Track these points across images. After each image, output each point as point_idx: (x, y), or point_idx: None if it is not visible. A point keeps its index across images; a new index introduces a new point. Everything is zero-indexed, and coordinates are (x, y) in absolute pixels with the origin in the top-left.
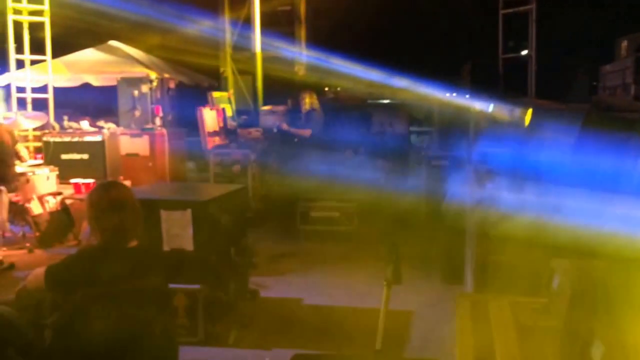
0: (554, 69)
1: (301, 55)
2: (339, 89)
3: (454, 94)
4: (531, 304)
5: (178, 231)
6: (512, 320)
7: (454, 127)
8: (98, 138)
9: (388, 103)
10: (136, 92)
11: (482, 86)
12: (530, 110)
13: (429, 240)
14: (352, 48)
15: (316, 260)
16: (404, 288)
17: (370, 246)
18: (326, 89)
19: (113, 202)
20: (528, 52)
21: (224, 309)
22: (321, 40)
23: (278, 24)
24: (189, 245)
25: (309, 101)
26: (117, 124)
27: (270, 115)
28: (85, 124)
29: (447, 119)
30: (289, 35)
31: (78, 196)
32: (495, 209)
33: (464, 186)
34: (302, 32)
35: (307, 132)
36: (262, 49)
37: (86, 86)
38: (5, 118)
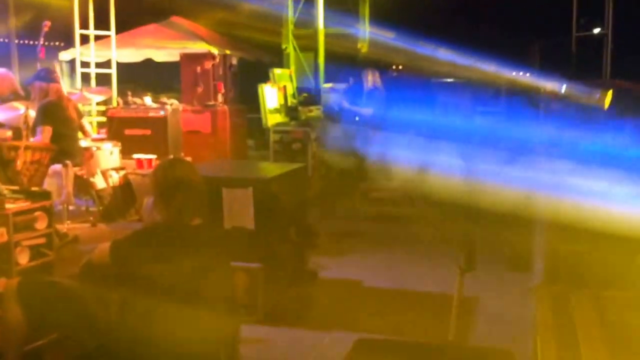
0: (630, 48)
1: (364, 32)
2: (401, 67)
3: (523, 73)
4: (617, 299)
5: (239, 209)
6: (596, 315)
7: (523, 106)
8: (161, 114)
9: (453, 82)
10: (199, 69)
11: (553, 65)
12: (610, 92)
13: (492, 225)
14: (417, 25)
15: (377, 241)
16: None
17: (434, 229)
18: (390, 66)
19: (178, 180)
20: (601, 30)
21: (284, 288)
22: (385, 16)
23: (342, 0)
24: (249, 223)
25: (371, 79)
26: (179, 100)
27: (331, 93)
28: (148, 100)
29: (515, 99)
30: (353, 11)
31: (140, 172)
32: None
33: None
34: (366, 8)
35: (368, 111)
36: (325, 26)
37: (148, 62)
38: (70, 93)
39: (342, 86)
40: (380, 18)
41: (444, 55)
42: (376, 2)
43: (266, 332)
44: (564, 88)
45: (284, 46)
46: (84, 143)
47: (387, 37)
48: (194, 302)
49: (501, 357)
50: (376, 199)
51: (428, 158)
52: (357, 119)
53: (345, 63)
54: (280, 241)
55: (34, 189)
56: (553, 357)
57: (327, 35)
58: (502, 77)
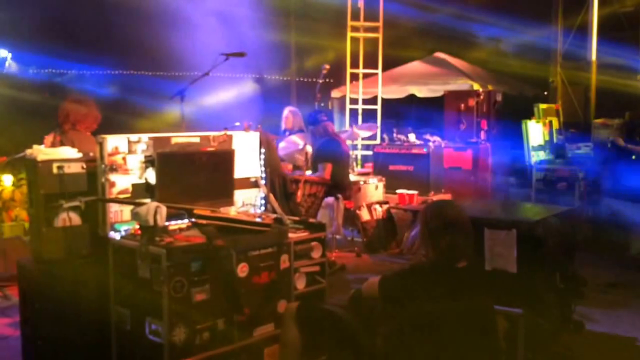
0: None
1: None
2: None
3: None
4: None
5: (501, 251)
6: None
7: None
8: (424, 151)
9: None
10: (462, 106)
11: None
12: None
13: None
14: None
15: None
16: None
17: None
18: None
19: (447, 222)
20: None
21: (546, 338)
22: None
23: (618, 28)
24: (512, 266)
25: None
26: (441, 136)
27: (603, 129)
28: (412, 137)
29: None
30: (631, 40)
31: (402, 207)
32: None
33: None
34: None
35: None
36: (598, 57)
37: (410, 98)
38: (341, 131)
39: (616, 122)
40: None
41: None
42: None
43: None
44: None
45: (551, 79)
46: (351, 177)
47: None
48: (458, 343)
49: None
50: None
51: None
52: (633, 157)
53: (620, 96)
54: (544, 287)
55: (311, 220)
56: None
57: (599, 67)
58: None
